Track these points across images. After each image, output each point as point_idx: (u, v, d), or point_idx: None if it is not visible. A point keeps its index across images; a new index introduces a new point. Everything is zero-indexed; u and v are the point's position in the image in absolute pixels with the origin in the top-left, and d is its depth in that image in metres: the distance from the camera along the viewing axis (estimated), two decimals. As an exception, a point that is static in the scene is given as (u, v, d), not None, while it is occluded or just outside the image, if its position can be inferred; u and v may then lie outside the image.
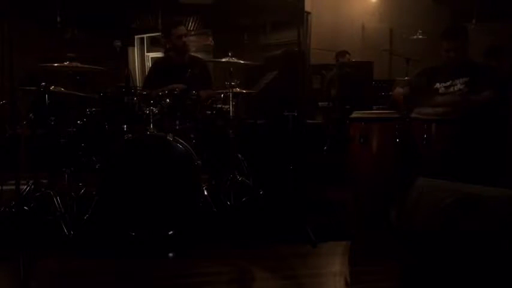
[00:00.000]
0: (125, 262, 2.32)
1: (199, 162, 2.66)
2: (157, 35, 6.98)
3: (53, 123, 2.88)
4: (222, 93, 3.44)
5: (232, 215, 2.91)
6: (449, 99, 2.96)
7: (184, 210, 2.61)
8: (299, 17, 6.01)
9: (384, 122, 2.98)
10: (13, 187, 2.43)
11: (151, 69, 4.05)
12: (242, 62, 3.20)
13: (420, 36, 4.91)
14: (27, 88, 2.98)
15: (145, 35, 7.46)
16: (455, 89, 3.03)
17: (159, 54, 6.77)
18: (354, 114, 3.12)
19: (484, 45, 4.43)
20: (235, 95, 3.28)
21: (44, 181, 3.07)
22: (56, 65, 2.88)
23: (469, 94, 2.93)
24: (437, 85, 3.10)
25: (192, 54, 3.94)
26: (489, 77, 2.98)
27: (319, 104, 4.93)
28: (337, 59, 5.43)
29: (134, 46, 7.45)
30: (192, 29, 6.96)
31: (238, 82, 3.29)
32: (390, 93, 4.66)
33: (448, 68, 3.09)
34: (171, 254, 2.41)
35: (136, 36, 7.44)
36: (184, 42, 3.59)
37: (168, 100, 2.91)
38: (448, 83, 3.06)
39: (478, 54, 4.28)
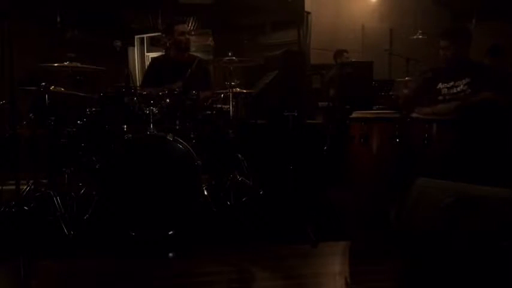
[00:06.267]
0: (124, 262, 2.32)
1: (199, 162, 2.66)
2: (157, 35, 6.99)
3: (53, 123, 2.88)
4: (222, 93, 3.44)
5: (232, 215, 2.91)
6: (446, 106, 2.95)
7: (185, 210, 2.61)
8: (299, 17, 6.04)
9: (384, 122, 2.98)
10: (13, 187, 2.43)
11: (149, 66, 4.03)
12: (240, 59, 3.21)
13: (420, 36, 4.92)
14: (27, 88, 2.98)
15: (145, 35, 7.47)
16: (458, 90, 3.03)
17: (159, 54, 6.78)
18: (354, 114, 3.12)
19: (484, 45, 4.42)
20: (235, 95, 3.28)
21: (44, 181, 3.07)
22: (56, 65, 2.89)
23: (470, 95, 2.93)
24: (440, 85, 3.11)
25: (193, 53, 3.94)
26: (489, 77, 2.98)
27: (319, 104, 4.93)
28: (336, 59, 5.43)
29: (134, 46, 7.46)
30: (192, 29, 6.96)
31: (238, 82, 3.29)
32: (391, 93, 4.66)
33: (450, 69, 3.09)
34: (171, 254, 2.41)
35: (136, 36, 7.45)
36: (187, 39, 3.59)
37: (168, 100, 2.90)
38: (451, 84, 3.07)
39: (478, 54, 4.28)
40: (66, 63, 2.88)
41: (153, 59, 4.35)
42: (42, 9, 5.55)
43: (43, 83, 2.81)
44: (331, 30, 6.35)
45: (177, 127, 2.94)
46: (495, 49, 4.27)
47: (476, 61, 3.19)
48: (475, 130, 2.76)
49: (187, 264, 2.33)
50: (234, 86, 3.23)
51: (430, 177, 2.04)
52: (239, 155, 3.51)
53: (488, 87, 2.88)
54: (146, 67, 4.20)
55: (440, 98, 3.10)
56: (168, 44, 3.75)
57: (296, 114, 3.52)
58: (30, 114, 3.04)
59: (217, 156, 3.28)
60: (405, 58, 4.78)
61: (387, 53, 5.66)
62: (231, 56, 3.20)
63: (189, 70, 3.22)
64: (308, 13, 6.33)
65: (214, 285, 2.13)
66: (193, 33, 6.85)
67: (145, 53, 7.54)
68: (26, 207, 2.72)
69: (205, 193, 2.91)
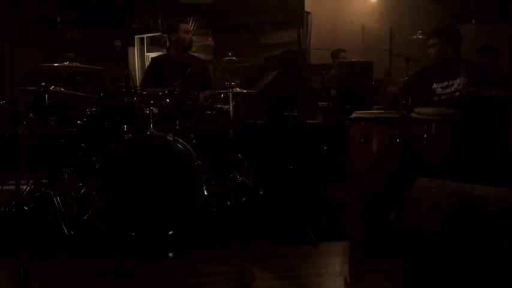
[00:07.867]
0: (125, 262, 2.32)
1: (199, 162, 2.66)
2: (158, 35, 6.99)
3: (53, 123, 2.88)
4: (222, 93, 3.44)
5: (232, 215, 2.91)
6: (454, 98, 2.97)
7: (184, 210, 2.61)
8: (299, 17, 6.04)
9: (384, 122, 2.98)
10: (13, 187, 2.44)
11: (149, 66, 4.03)
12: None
13: (420, 36, 4.91)
14: (27, 88, 2.98)
15: (145, 35, 7.46)
16: (452, 89, 3.04)
17: (159, 54, 6.77)
18: (354, 114, 3.12)
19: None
20: (235, 95, 3.28)
21: (44, 181, 3.07)
22: (56, 65, 2.88)
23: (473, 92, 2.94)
24: (435, 86, 3.12)
25: (192, 54, 3.94)
26: (490, 77, 2.98)
27: (319, 104, 4.93)
28: (333, 58, 5.43)
29: (134, 46, 7.45)
30: (192, 29, 6.96)
31: (238, 82, 3.29)
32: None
33: (443, 68, 3.10)
34: (171, 254, 2.41)
35: (136, 36, 7.44)
36: (190, 38, 3.61)
37: (168, 100, 2.90)
38: (445, 84, 3.08)
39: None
40: (66, 63, 2.87)
41: (153, 59, 4.35)
42: (42, 9, 5.54)
43: (43, 83, 2.81)
44: (331, 30, 6.35)
45: (177, 127, 2.94)
46: (485, 50, 4.28)
47: (469, 60, 3.21)
48: (475, 130, 2.77)
49: (187, 264, 2.33)
50: (234, 86, 3.23)
51: (430, 177, 2.04)
52: (239, 155, 3.51)
53: (492, 86, 2.88)
54: (146, 67, 4.20)
55: (435, 98, 3.11)
56: (168, 44, 3.75)
57: (296, 114, 3.52)
58: (30, 114, 3.04)
59: (217, 156, 3.28)
60: (405, 58, 4.78)
61: (387, 53, 5.66)
62: (231, 56, 3.20)
63: (189, 70, 3.22)
64: (308, 13, 6.33)
65: (215, 285, 2.13)
66: (193, 33, 6.85)
67: (146, 53, 7.53)
68: (26, 207, 2.72)
69: (205, 193, 2.91)
